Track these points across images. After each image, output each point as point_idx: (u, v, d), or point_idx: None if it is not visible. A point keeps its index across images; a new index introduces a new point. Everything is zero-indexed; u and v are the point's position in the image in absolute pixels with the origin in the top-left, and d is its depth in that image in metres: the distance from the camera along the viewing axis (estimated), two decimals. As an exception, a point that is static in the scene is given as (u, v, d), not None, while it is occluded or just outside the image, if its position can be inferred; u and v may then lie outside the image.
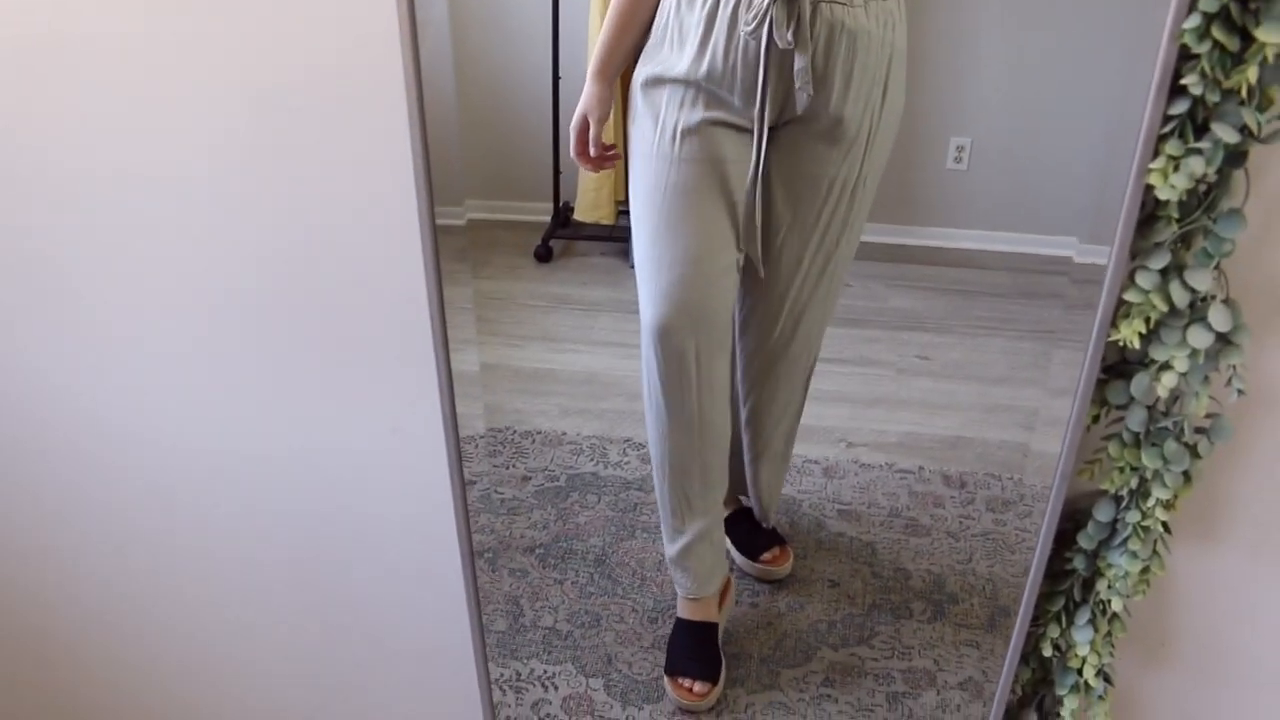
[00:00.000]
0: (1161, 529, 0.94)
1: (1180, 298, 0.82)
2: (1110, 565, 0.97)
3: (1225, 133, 0.75)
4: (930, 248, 1.36)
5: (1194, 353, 0.84)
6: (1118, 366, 0.91)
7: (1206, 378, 0.86)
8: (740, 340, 1.32)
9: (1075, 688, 1.05)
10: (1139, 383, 0.88)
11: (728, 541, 1.43)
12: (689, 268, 1.19)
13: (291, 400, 1.13)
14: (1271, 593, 1.03)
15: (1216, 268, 0.82)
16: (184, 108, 0.98)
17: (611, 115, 1.23)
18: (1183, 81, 0.76)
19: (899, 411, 1.45)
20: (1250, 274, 0.86)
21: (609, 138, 1.23)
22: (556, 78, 1.30)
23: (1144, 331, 0.85)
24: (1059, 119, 1.22)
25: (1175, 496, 0.91)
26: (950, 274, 1.39)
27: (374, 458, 1.15)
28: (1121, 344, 0.86)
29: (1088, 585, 1.01)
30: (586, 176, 1.34)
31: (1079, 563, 1.00)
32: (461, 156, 0.99)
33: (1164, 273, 0.83)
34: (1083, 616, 1.01)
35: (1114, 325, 0.86)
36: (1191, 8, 0.73)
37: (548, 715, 1.31)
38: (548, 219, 1.41)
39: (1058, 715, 1.08)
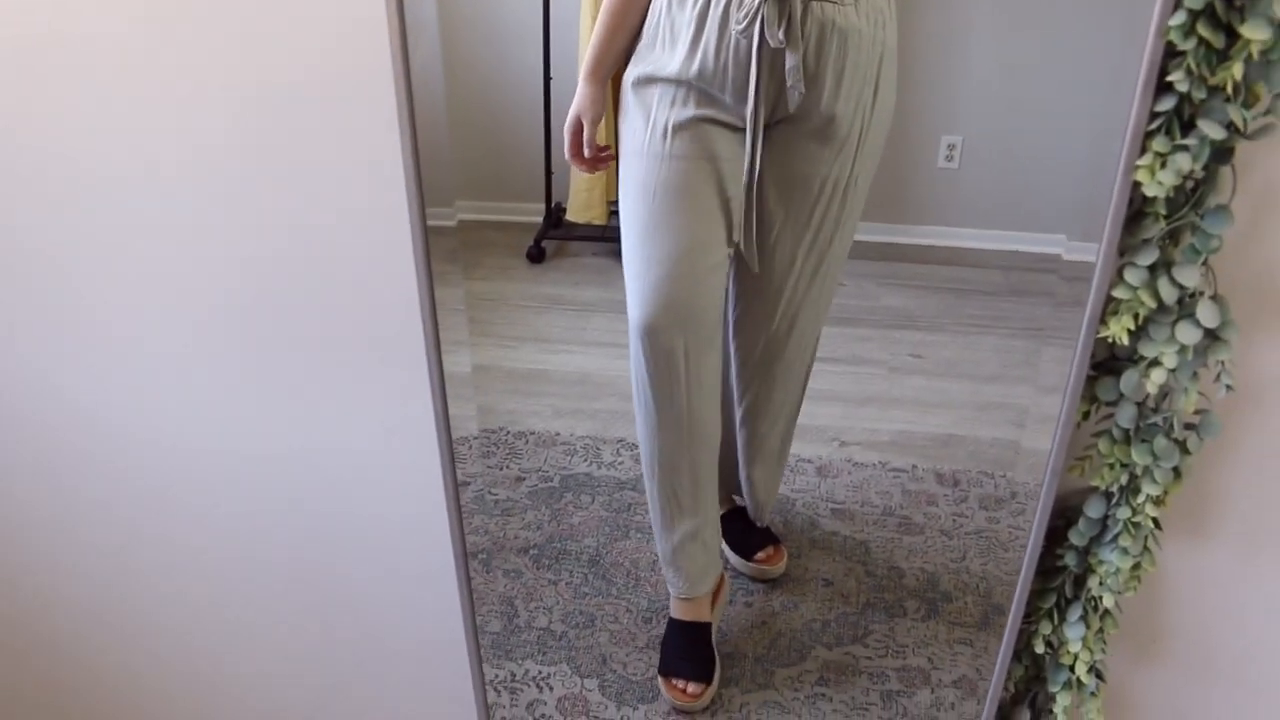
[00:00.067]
0: (1152, 525, 0.94)
1: (1168, 294, 0.83)
2: (1101, 562, 0.97)
3: (1211, 129, 0.76)
4: (922, 246, 1.36)
5: (1182, 349, 0.84)
6: (1107, 363, 0.91)
7: (1195, 374, 0.86)
8: (734, 339, 1.32)
9: (1068, 684, 1.05)
10: (1128, 379, 0.88)
11: (722, 541, 1.43)
12: (676, 265, 1.19)
13: (283, 402, 1.13)
14: (1262, 588, 1.04)
15: (1204, 264, 0.82)
16: (173, 110, 0.98)
17: (605, 116, 1.23)
18: (1169, 78, 0.76)
19: (892, 410, 1.45)
20: (1238, 270, 0.86)
21: (603, 139, 1.23)
22: (548, 78, 1.29)
23: (1133, 328, 0.85)
24: (1050, 117, 1.22)
25: (1165, 492, 0.91)
26: (942, 272, 1.39)
27: (367, 459, 1.15)
28: (1111, 341, 0.86)
29: (1079, 582, 1.01)
30: (578, 177, 1.34)
31: (1070, 559, 1.00)
32: (453, 157, 0.99)
33: (1152, 269, 0.83)
34: (1074, 613, 1.01)
35: (1103, 322, 0.86)
36: (1177, 5, 0.74)
37: (543, 716, 1.31)
38: (540, 220, 1.41)
39: (1050, 712, 1.08)
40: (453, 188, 1.00)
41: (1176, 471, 0.90)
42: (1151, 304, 0.83)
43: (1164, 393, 0.89)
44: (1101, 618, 1.00)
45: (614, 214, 1.33)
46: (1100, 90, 0.95)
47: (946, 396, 1.43)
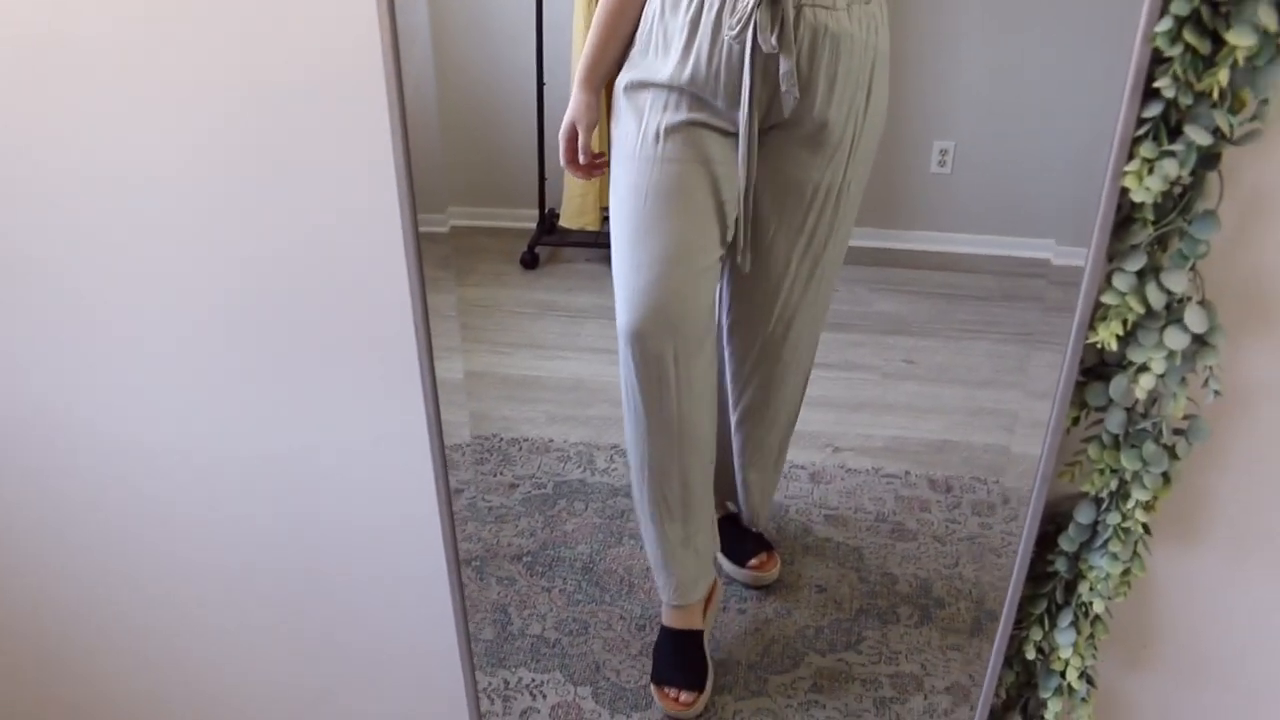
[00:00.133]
0: (1141, 530, 0.94)
1: (1157, 299, 0.83)
2: (1091, 567, 0.97)
3: (1198, 135, 0.76)
4: (914, 251, 1.36)
5: (1171, 354, 0.84)
6: (1096, 369, 0.92)
7: (1183, 379, 0.86)
8: (728, 343, 1.32)
9: (1059, 690, 1.05)
10: (1117, 385, 0.88)
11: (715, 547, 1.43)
12: (665, 269, 1.18)
13: (273, 408, 1.13)
14: (1250, 592, 1.04)
15: (1192, 269, 0.83)
16: (164, 115, 0.98)
17: (599, 123, 1.23)
18: (1156, 84, 0.76)
19: (884, 416, 1.45)
20: (1225, 275, 0.86)
21: (597, 146, 1.24)
22: (541, 83, 1.30)
23: (1121, 334, 0.85)
24: (1042, 122, 1.22)
25: (1154, 498, 0.91)
26: (934, 277, 1.39)
27: (359, 466, 1.15)
28: (1100, 346, 0.87)
29: (1070, 588, 1.01)
30: (572, 182, 1.34)
31: (1061, 565, 1.00)
32: (445, 163, 0.99)
33: (1140, 275, 0.83)
34: (1065, 619, 1.01)
35: (1092, 328, 0.86)
36: (1163, 11, 0.74)
37: (535, 723, 1.31)
38: (533, 225, 1.41)
39: (1042, 718, 1.08)
40: (445, 193, 1.01)
41: (1165, 477, 0.90)
42: (1140, 309, 0.84)
43: (1153, 398, 0.89)
44: (1092, 623, 1.00)
45: (607, 220, 1.32)
46: (1090, 95, 0.95)
47: (939, 402, 1.44)
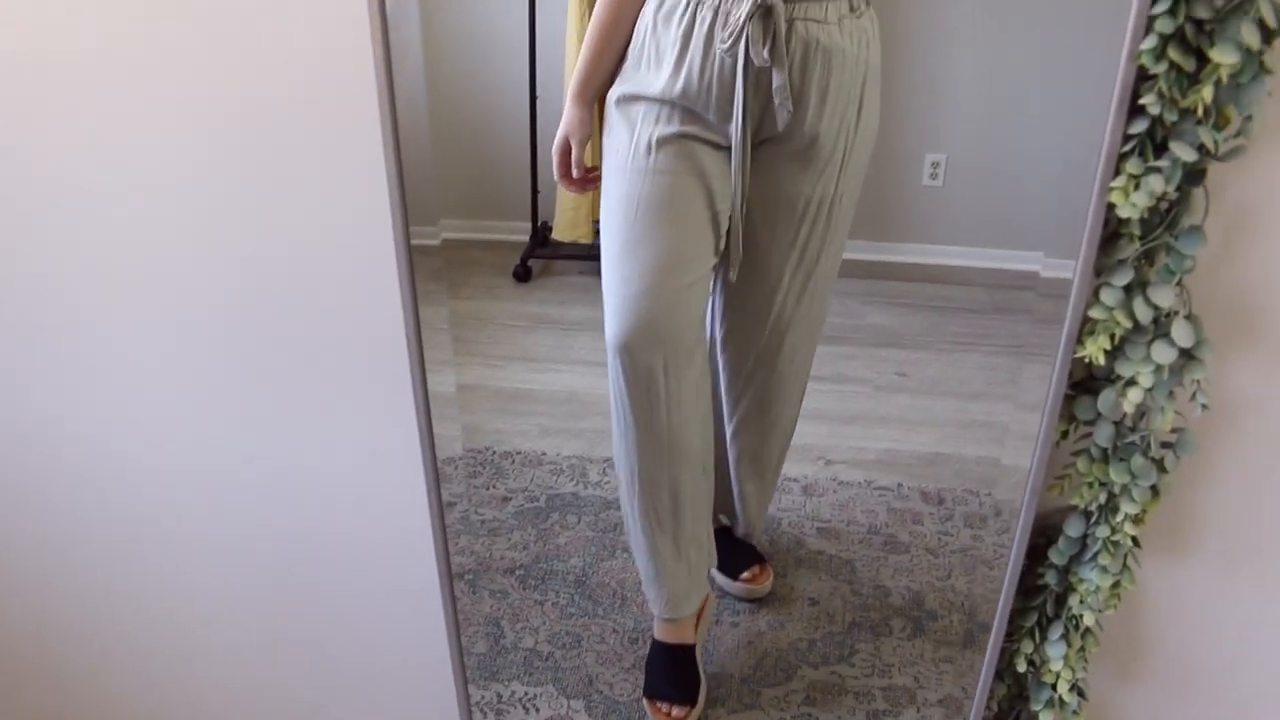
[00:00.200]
0: (1131, 543, 0.94)
1: (1144, 314, 0.83)
2: (1082, 580, 0.98)
3: (1183, 151, 0.77)
4: (906, 264, 1.36)
5: (1158, 368, 0.85)
6: (1085, 382, 0.92)
7: (1171, 393, 0.87)
8: (722, 355, 1.32)
9: (1050, 703, 1.05)
10: (1105, 398, 0.89)
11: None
12: (654, 280, 1.18)
13: (265, 421, 1.13)
14: (1240, 604, 1.04)
15: (1178, 284, 0.83)
16: (156, 130, 0.98)
17: (593, 136, 1.23)
18: (1141, 101, 0.77)
19: (877, 428, 1.45)
20: (1211, 290, 0.87)
21: (590, 159, 1.24)
22: (534, 96, 1.30)
23: (1109, 348, 0.86)
24: (1033, 135, 1.23)
25: (1143, 511, 0.92)
26: (926, 290, 1.40)
27: (351, 479, 1.15)
28: (1088, 360, 0.87)
29: (1060, 600, 1.01)
30: (564, 195, 1.34)
31: (1051, 578, 1.00)
32: (438, 175, 1.00)
33: (1128, 289, 0.84)
34: (1056, 632, 1.01)
35: (1080, 342, 0.87)
36: (1148, 29, 0.75)
37: (528, 737, 1.30)
38: (526, 238, 1.41)
39: (1034, 731, 1.08)
40: (437, 206, 1.01)
41: (1154, 490, 0.91)
42: (1127, 324, 0.84)
43: (1141, 412, 0.89)
44: (1083, 636, 1.00)
45: (600, 233, 1.33)
46: (1080, 109, 0.96)
47: (931, 414, 1.44)
